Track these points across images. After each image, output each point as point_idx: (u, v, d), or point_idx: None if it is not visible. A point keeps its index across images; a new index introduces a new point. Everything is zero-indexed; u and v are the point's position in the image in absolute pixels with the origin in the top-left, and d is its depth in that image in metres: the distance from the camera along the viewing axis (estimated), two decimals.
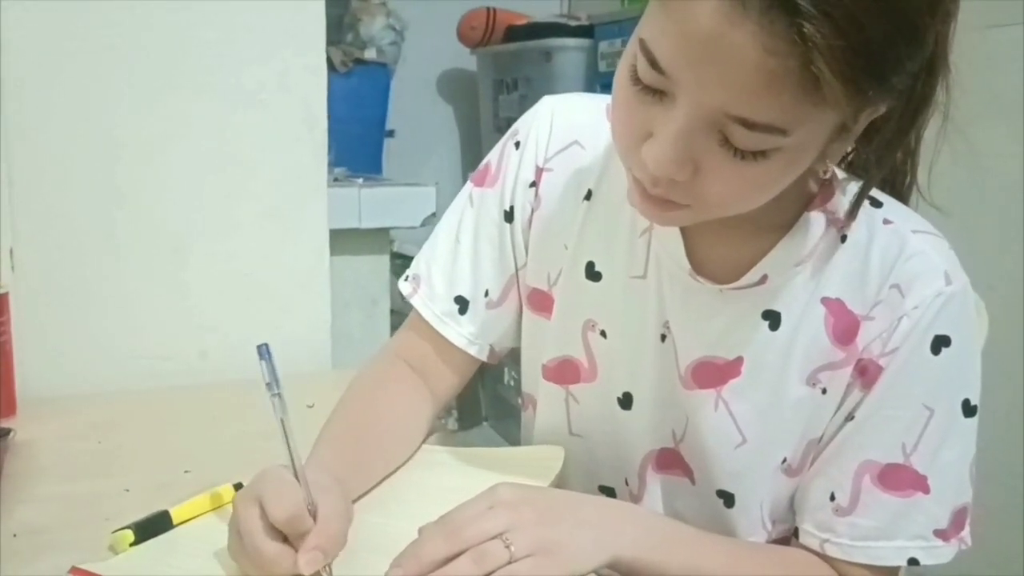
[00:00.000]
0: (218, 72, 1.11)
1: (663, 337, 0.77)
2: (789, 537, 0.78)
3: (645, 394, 0.78)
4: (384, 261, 2.17)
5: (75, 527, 0.72)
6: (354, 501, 0.71)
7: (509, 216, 0.83)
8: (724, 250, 0.73)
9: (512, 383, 2.59)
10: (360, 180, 2.14)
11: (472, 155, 3.08)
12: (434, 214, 2.13)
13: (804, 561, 0.74)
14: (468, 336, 0.84)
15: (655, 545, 0.67)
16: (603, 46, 2.47)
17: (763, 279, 0.72)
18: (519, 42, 2.70)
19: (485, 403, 2.80)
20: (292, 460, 0.62)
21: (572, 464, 0.80)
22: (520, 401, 0.90)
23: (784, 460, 0.75)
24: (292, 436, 0.63)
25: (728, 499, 0.77)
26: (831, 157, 0.65)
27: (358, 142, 2.73)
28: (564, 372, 0.82)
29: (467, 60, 2.96)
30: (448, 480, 0.79)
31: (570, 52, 2.55)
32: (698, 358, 0.75)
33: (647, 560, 0.66)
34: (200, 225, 1.13)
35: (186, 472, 0.82)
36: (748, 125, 0.56)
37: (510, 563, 0.61)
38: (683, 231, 0.74)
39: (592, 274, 0.79)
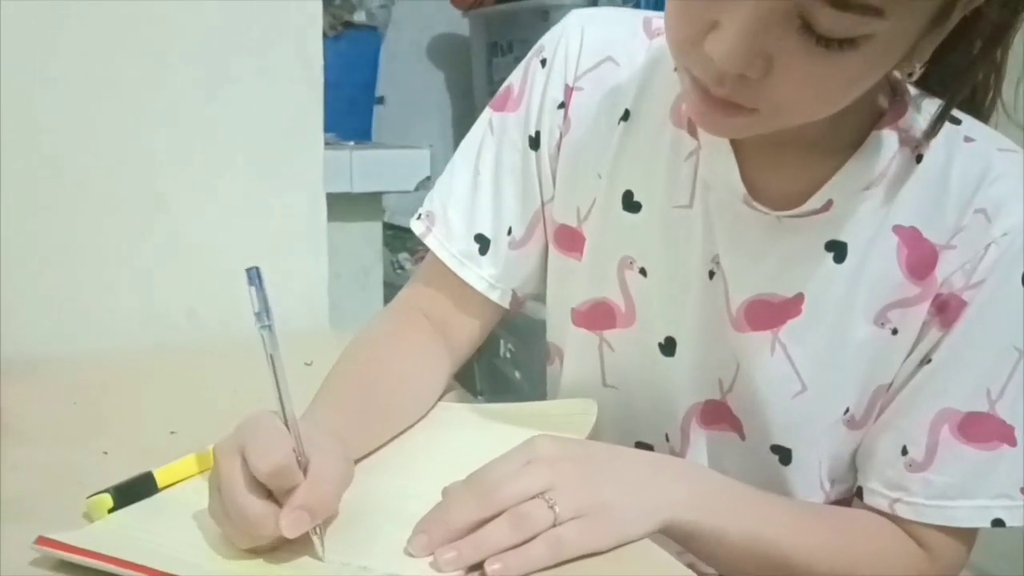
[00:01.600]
0: (212, 25, 1.01)
1: (711, 274, 0.68)
2: (849, 499, 0.70)
3: (690, 339, 0.70)
4: (376, 228, 2.09)
5: (45, 495, 0.63)
6: (357, 462, 0.63)
7: (534, 143, 0.74)
8: (783, 174, 0.65)
9: (508, 355, 2.50)
10: (351, 143, 2.05)
11: (465, 122, 2.96)
12: (428, 178, 2.05)
13: (872, 524, 0.66)
14: (489, 279, 0.75)
15: (712, 507, 0.59)
16: (603, 4, 2.37)
17: (827, 205, 0.63)
18: (513, 2, 2.60)
19: (480, 377, 2.72)
20: (282, 405, 0.53)
21: (605, 419, 0.71)
22: (547, 354, 0.81)
23: (847, 411, 0.67)
24: (283, 376, 0.53)
25: (784, 455, 0.69)
26: (919, 56, 0.56)
27: (347, 108, 2.63)
28: (597, 317, 0.73)
29: (459, 24, 2.86)
30: (467, 439, 0.70)
31: (568, 11, 2.45)
32: (752, 296, 0.67)
33: (704, 524, 0.58)
34: (188, 179, 1.03)
35: (172, 433, 0.73)
36: (840, 3, 0.48)
37: (554, 527, 0.52)
38: (736, 152, 0.65)
39: (630, 205, 0.71)
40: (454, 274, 0.75)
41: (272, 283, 1.10)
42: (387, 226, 2.19)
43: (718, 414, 0.71)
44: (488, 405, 0.76)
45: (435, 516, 0.53)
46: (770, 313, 0.66)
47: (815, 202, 0.63)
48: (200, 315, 1.04)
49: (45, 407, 0.80)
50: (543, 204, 0.75)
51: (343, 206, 1.79)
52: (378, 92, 2.74)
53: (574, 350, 0.75)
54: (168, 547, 0.53)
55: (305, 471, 0.52)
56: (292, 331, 1.07)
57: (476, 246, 0.75)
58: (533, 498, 0.53)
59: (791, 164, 0.64)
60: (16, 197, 0.95)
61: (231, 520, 0.52)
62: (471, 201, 0.75)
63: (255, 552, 0.52)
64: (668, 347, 0.71)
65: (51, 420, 0.77)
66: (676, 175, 0.69)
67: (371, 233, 2.07)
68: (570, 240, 0.74)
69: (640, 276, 0.71)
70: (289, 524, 0.50)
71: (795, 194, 0.64)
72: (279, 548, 0.53)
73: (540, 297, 0.80)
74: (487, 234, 0.75)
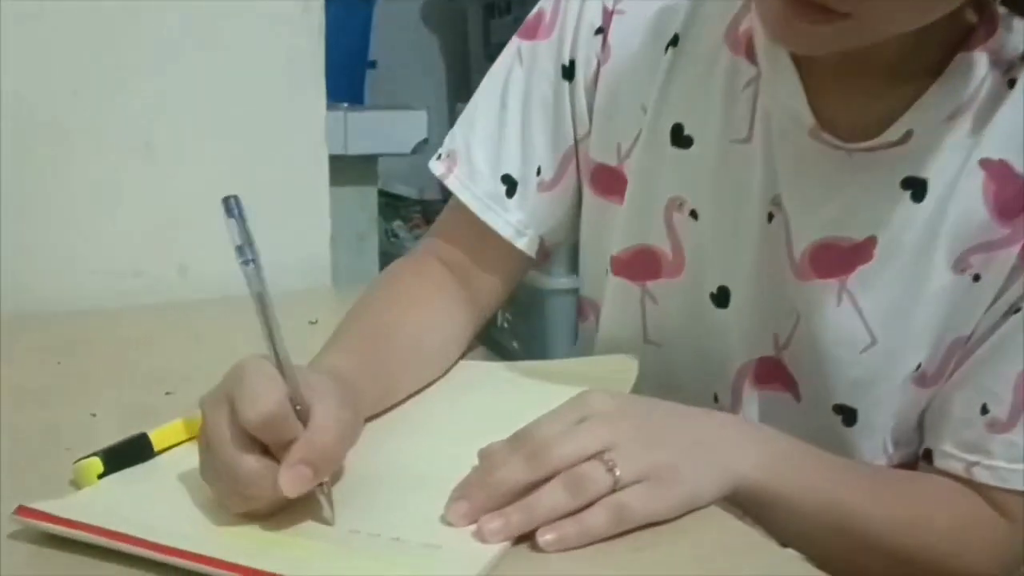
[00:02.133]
0: None
1: (770, 216, 0.61)
2: (913, 464, 0.64)
3: (746, 288, 0.63)
4: (372, 193, 2.02)
5: (26, 461, 0.56)
6: (368, 420, 0.56)
7: (568, 72, 0.67)
8: (855, 103, 0.58)
9: (506, 324, 2.43)
10: (345, 104, 1.97)
11: (461, 87, 2.89)
12: (426, 140, 1.98)
13: (946, 490, 0.59)
14: (516, 225, 0.68)
15: (785, 470, 0.52)
16: None
17: (906, 137, 0.57)
18: None
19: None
20: (273, 348, 0.46)
21: (645, 379, 0.64)
22: (579, 309, 0.74)
23: (918, 366, 0.60)
24: (274, 317, 0.46)
25: (848, 416, 0.62)
26: None
27: (338, 73, 2.54)
28: (640, 265, 0.66)
29: None
30: (496, 398, 0.64)
31: None
32: (817, 240, 0.60)
33: (775, 489, 0.51)
34: (182, 133, 0.95)
35: (168, 394, 0.66)
36: None
37: (614, 491, 0.45)
38: (803, 79, 0.58)
39: (680, 140, 0.63)
40: (477, 219, 0.68)
41: (272, 240, 1.03)
42: (381, 193, 2.12)
43: (772, 372, 0.65)
44: (517, 363, 0.69)
45: (477, 480, 0.46)
46: (837, 259, 0.60)
47: (892, 133, 0.57)
48: (193, 272, 0.96)
49: (25, 367, 0.73)
50: (576, 141, 0.68)
51: (337, 169, 1.71)
52: (371, 56, 2.65)
53: (612, 303, 0.68)
54: (162, 516, 0.46)
55: (306, 422, 0.45)
56: (295, 290, 1.00)
57: (502, 188, 0.68)
58: (590, 459, 0.46)
59: (865, 91, 0.57)
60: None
61: (222, 481, 0.45)
62: (497, 138, 0.68)
63: (253, 518, 0.46)
64: (720, 298, 0.64)
65: (32, 380, 0.70)
66: (733, 106, 0.62)
67: (366, 198, 1.99)
68: (608, 181, 0.67)
69: (690, 219, 0.64)
70: (288, 481, 0.43)
71: (869, 125, 0.57)
72: (281, 512, 0.46)
73: (570, 248, 0.73)
74: (514, 175, 0.68)
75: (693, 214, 0.64)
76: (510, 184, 0.68)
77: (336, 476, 0.50)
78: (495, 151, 0.68)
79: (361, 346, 0.59)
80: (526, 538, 0.45)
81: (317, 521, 0.46)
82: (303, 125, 1.03)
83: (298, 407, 0.46)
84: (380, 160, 1.98)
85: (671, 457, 0.48)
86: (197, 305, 0.92)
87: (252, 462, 0.44)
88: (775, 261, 0.62)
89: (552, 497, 0.45)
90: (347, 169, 1.91)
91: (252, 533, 0.45)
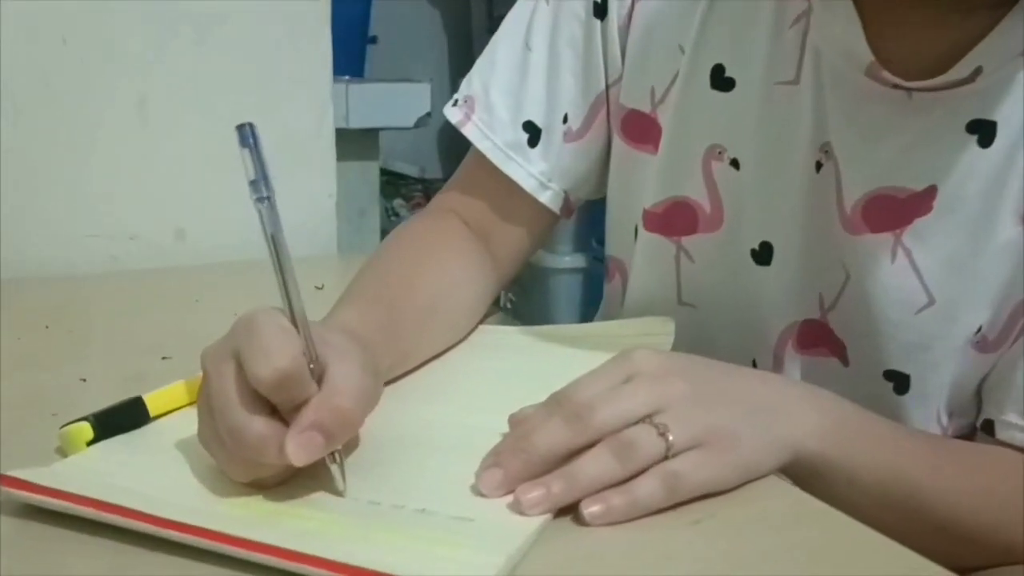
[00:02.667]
0: None
1: (819, 165, 0.56)
2: (969, 436, 0.59)
3: (790, 244, 0.58)
4: (373, 168, 1.97)
5: (9, 427, 0.51)
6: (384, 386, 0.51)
7: (600, 10, 0.61)
8: (916, 37, 0.53)
9: (509, 305, 2.38)
10: (347, 77, 1.91)
11: (463, 63, 2.83)
12: (429, 114, 1.93)
13: (1009, 462, 0.55)
14: (539, 177, 0.63)
15: (846, 439, 0.47)
16: None
17: (974, 74, 0.52)
18: None
19: None
20: (288, 298, 0.41)
21: (679, 343, 0.59)
22: (605, 269, 0.69)
23: (979, 329, 0.56)
24: (289, 265, 0.41)
25: (900, 383, 0.58)
26: None
27: (338, 47, 2.50)
28: (675, 219, 0.61)
29: None
30: (524, 363, 0.59)
31: None
32: (872, 190, 0.55)
33: (835, 459, 0.47)
34: (178, 94, 0.89)
35: (164, 359, 0.61)
36: None
37: (667, 458, 0.41)
38: (859, 12, 0.53)
39: (720, 82, 0.58)
40: (497, 171, 0.63)
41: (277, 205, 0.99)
42: (381, 172, 2.07)
43: (817, 336, 0.60)
44: (542, 327, 0.64)
45: (511, 445, 0.42)
46: (893, 210, 0.55)
47: (959, 71, 0.51)
48: (191, 236, 0.91)
49: (12, 332, 0.68)
50: (607, 86, 0.63)
51: (338, 143, 1.67)
52: (371, 32, 2.60)
53: (644, 261, 0.64)
54: (158, 485, 0.41)
55: (319, 382, 0.40)
56: (300, 256, 0.96)
57: (524, 136, 0.63)
58: (638, 422, 0.41)
59: (929, 24, 0.52)
60: None
61: (225, 446, 0.40)
62: (520, 82, 0.63)
63: (257, 487, 0.41)
64: (763, 254, 0.59)
65: (19, 345, 0.65)
66: (779, 44, 0.56)
67: (368, 172, 1.95)
68: (641, 128, 0.62)
69: (731, 168, 0.59)
70: (298, 448, 0.38)
71: (932, 62, 0.52)
72: (287, 482, 0.41)
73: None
74: (538, 122, 0.63)
75: (734, 163, 0.59)
76: (533, 132, 0.63)
77: (350, 445, 0.45)
78: (517, 96, 0.63)
79: (376, 305, 0.54)
80: (568, 510, 0.40)
81: (329, 492, 0.41)
82: (309, 90, 0.97)
83: (312, 365, 0.41)
84: (381, 136, 1.94)
85: (728, 421, 0.43)
86: (195, 270, 0.87)
87: (260, 425, 0.39)
88: (823, 214, 0.57)
89: (597, 464, 0.40)
90: (349, 143, 1.85)
91: (257, 504, 0.40)
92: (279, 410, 0.40)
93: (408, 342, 0.55)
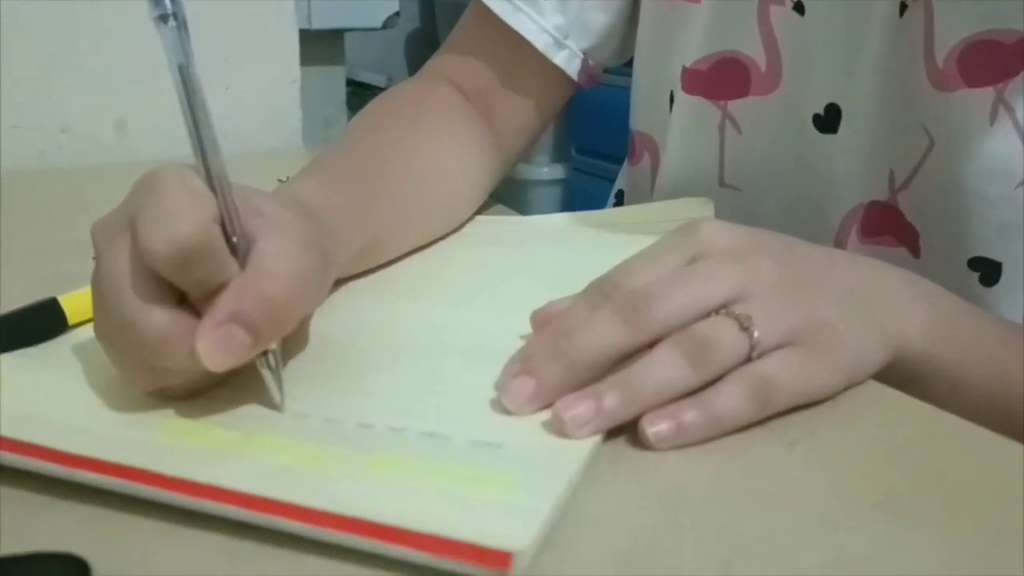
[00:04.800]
0: None
1: (903, 7, 0.46)
2: None
3: (863, 106, 0.47)
4: (339, 73, 1.85)
5: None
6: (350, 280, 0.41)
7: None
8: None
9: None
10: None
11: None
12: (397, 13, 1.80)
13: None
14: (553, 32, 0.52)
15: (954, 337, 0.38)
16: None
17: None
18: None
19: None
20: (201, 147, 0.31)
21: None
22: (629, 147, 0.58)
23: None
24: (203, 102, 0.31)
25: (989, 272, 0.48)
26: None
27: None
28: (722, 79, 0.50)
29: None
30: (539, 254, 0.48)
31: None
32: (971, 35, 0.44)
33: (942, 360, 0.37)
34: None
35: (95, 259, 0.50)
36: None
37: (751, 359, 0.31)
38: None
39: None
40: (503, 26, 0.52)
41: (229, 91, 0.86)
42: (349, 83, 1.94)
43: (884, 221, 0.50)
44: (552, 216, 0.53)
45: (547, 347, 0.31)
46: (995, 60, 0.44)
47: None
48: (133, 128, 0.79)
49: None
50: None
51: (301, 47, 1.56)
52: None
53: (680, 133, 0.53)
54: (74, 410, 0.31)
55: (245, 260, 0.30)
56: (263, 149, 0.84)
57: None
58: (713, 313, 0.31)
59: None
60: None
61: (120, 343, 0.30)
62: None
63: (168, 401, 0.31)
64: (827, 120, 0.48)
65: None
66: None
67: (333, 79, 1.83)
68: None
69: (794, 14, 0.48)
70: (212, 347, 0.29)
71: None
72: (210, 393, 0.32)
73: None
74: None
75: (798, 7, 0.48)
76: None
77: (299, 345, 0.35)
78: None
79: (343, 175, 0.43)
80: (621, 430, 0.30)
81: (265, 406, 0.31)
82: None
83: (234, 238, 0.30)
84: (347, 40, 1.82)
85: (825, 311, 0.33)
86: (137, 167, 0.75)
87: (160, 317, 0.29)
88: (906, 68, 0.46)
89: (664, 368, 0.30)
90: (312, 47, 1.72)
91: (204, 431, 0.30)
92: (189, 297, 0.30)
93: (385, 223, 0.44)
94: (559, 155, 2.10)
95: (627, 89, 0.58)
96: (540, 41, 0.52)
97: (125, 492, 0.27)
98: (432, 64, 0.56)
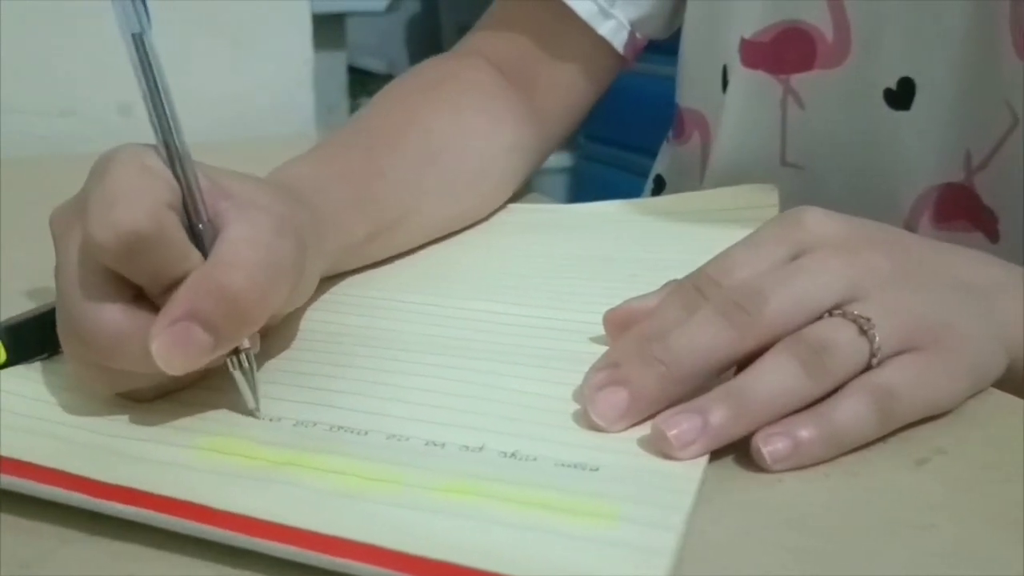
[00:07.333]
0: None
1: None
2: None
3: (941, 80, 0.44)
4: (340, 58, 1.83)
5: None
6: (356, 272, 0.38)
7: None
8: None
9: None
10: None
11: None
12: None
13: None
14: (600, 3, 0.48)
15: None
16: None
17: None
18: None
19: None
20: (158, 122, 0.28)
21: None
22: (674, 126, 0.55)
23: None
24: (162, 76, 0.29)
25: None
26: None
27: None
28: (785, 51, 0.47)
29: None
30: (593, 245, 0.44)
31: None
32: None
33: None
34: None
35: None
36: None
37: (871, 368, 0.27)
38: None
39: None
40: None
41: (238, 75, 0.83)
42: (350, 70, 1.92)
43: (959, 205, 0.46)
44: (596, 204, 0.49)
45: (638, 352, 0.27)
46: None
47: None
48: (138, 112, 0.75)
49: None
50: None
51: None
52: None
53: (737, 109, 0.49)
54: (100, 428, 0.27)
55: (206, 247, 0.27)
56: (274, 134, 0.80)
57: None
58: (827, 315, 0.27)
59: None
60: None
61: (71, 343, 0.27)
62: None
63: (130, 404, 0.28)
64: (900, 95, 0.45)
65: None
66: None
67: (334, 63, 1.80)
68: None
69: None
70: (165, 347, 0.25)
71: None
72: (177, 396, 0.29)
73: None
74: None
75: None
76: None
77: (287, 340, 0.33)
78: None
79: (344, 152, 0.40)
80: (729, 450, 0.26)
81: (239, 412, 0.28)
82: None
83: (200, 225, 0.27)
84: (348, 24, 1.81)
85: (944, 310, 0.29)
86: None
87: (112, 314, 0.26)
88: (990, 36, 0.42)
89: (777, 377, 0.26)
90: (313, 31, 1.71)
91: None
92: (145, 291, 0.27)
93: (396, 208, 0.40)
94: (566, 142, 2.07)
95: (637, 73, 0.55)
96: (584, 9, 0.48)
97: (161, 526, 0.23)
98: (467, 40, 0.52)
